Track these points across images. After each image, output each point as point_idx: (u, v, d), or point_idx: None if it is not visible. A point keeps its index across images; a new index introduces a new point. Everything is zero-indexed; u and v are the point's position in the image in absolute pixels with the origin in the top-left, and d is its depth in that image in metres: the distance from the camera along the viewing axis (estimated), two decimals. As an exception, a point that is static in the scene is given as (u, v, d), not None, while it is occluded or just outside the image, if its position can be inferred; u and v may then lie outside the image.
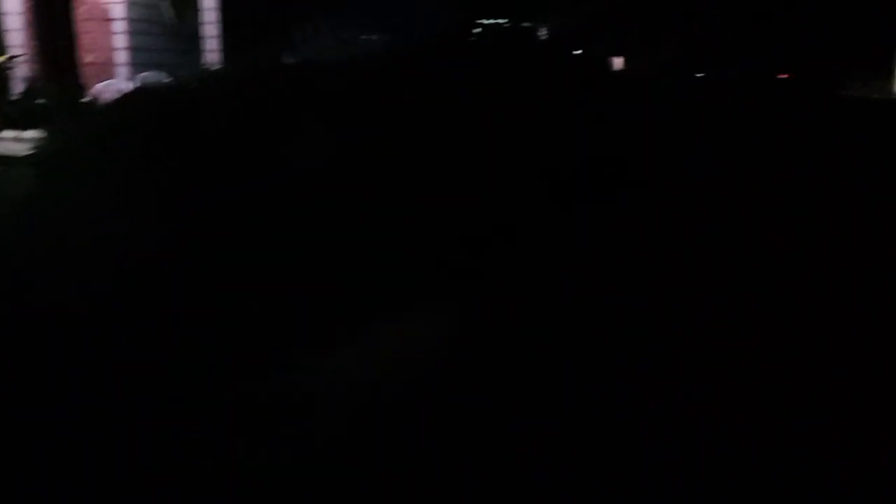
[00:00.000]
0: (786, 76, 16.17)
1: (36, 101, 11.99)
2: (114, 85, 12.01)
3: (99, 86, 12.32)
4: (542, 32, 22.29)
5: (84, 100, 12.02)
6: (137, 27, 14.05)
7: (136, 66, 13.55)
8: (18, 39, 13.18)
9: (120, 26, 13.81)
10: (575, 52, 20.64)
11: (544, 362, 1.99)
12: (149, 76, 11.57)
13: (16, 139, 8.80)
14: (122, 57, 13.83)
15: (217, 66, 13.11)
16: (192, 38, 14.84)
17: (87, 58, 13.85)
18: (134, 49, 13.89)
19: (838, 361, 2.05)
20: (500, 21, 21.55)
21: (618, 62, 20.85)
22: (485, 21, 21.53)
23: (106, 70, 13.49)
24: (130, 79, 12.71)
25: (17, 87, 12.74)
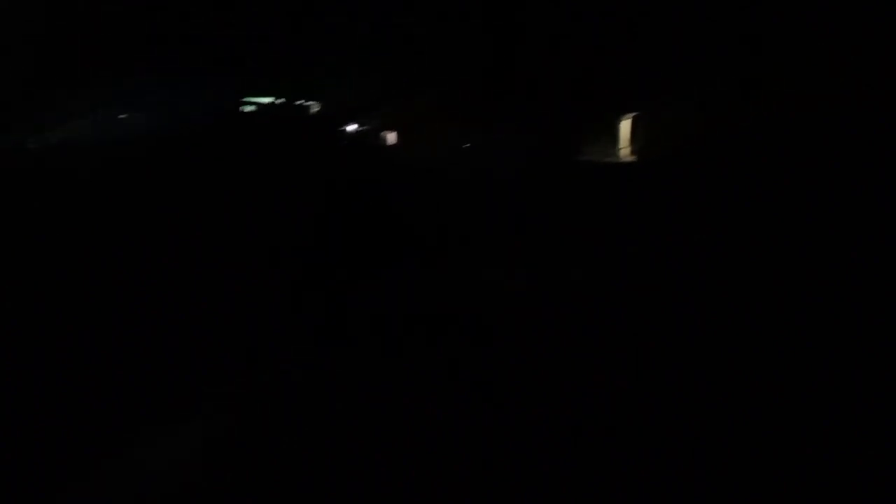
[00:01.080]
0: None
1: None
2: None
3: None
4: (315, 109, 22.70)
5: None
6: None
7: None
8: None
9: None
10: (342, 128, 21.09)
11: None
12: None
13: None
14: None
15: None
16: None
17: None
18: None
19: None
20: (272, 99, 21.58)
21: (391, 136, 21.98)
22: (257, 99, 21.41)
23: None
24: None
25: None
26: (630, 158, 19.06)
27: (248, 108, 22.71)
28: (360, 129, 21.25)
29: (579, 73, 17.92)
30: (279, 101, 22.51)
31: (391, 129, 21.67)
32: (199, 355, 3.40)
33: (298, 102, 22.04)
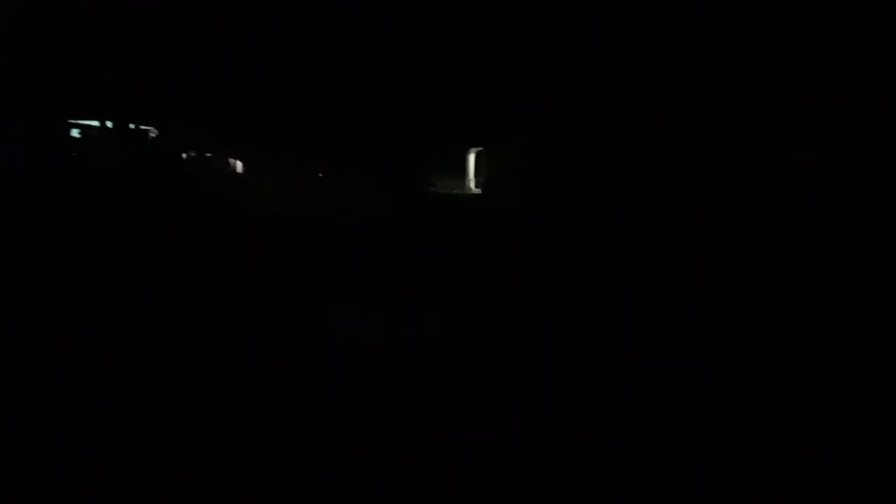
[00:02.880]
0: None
1: None
2: None
3: None
4: (154, 135, 21.51)
5: None
6: None
7: None
8: None
9: None
10: (184, 154, 20.25)
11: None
12: None
13: None
14: None
15: None
16: None
17: None
18: None
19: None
20: (97, 123, 20.13)
21: (239, 165, 21.35)
22: (85, 122, 19.89)
23: None
24: None
25: None
26: (476, 191, 20.20)
27: (74, 132, 21.00)
28: (205, 156, 20.35)
29: (432, 107, 18.76)
30: (111, 124, 21.02)
31: (239, 157, 21.01)
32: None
33: (134, 126, 20.73)
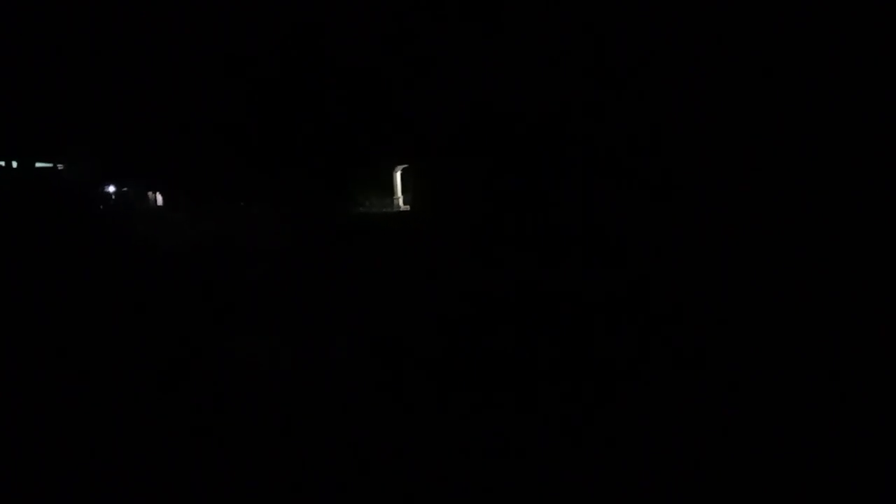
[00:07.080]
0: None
1: None
2: None
3: None
4: (62, 170, 20.52)
5: None
6: None
7: None
8: None
9: None
10: (100, 189, 19.51)
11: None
12: None
13: None
14: None
15: None
16: None
17: None
18: None
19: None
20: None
21: (158, 197, 20.67)
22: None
23: None
24: None
25: None
26: (404, 208, 20.32)
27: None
28: (122, 190, 19.51)
29: (352, 128, 18.76)
30: (11, 163, 19.89)
31: (157, 189, 20.25)
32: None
33: (41, 165, 19.70)
